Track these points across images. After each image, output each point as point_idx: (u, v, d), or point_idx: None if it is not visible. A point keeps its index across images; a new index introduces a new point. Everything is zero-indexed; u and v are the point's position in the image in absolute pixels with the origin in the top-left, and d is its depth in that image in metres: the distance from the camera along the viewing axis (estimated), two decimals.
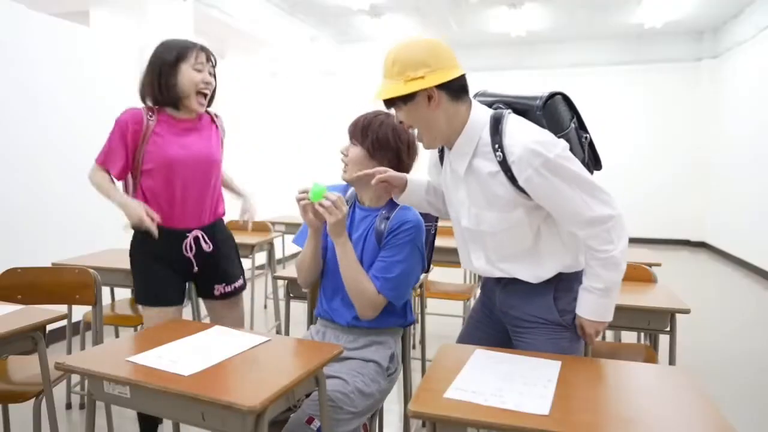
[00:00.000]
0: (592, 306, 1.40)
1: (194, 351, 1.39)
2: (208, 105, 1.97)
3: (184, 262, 1.96)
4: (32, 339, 1.67)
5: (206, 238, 1.97)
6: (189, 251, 1.95)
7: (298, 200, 1.56)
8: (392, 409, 2.63)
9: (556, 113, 1.40)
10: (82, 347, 2.63)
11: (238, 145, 5.67)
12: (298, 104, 6.83)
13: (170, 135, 1.90)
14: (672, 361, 2.00)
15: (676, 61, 8.05)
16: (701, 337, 3.84)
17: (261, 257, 3.90)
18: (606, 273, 1.36)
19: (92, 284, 2.16)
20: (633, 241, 6.70)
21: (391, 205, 1.70)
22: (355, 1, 6.22)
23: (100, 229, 3.66)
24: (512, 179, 1.32)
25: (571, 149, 1.35)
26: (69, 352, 2.66)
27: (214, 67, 1.95)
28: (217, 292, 2.04)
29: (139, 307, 1.96)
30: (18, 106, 3.36)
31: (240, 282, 2.10)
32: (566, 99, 1.44)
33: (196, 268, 1.98)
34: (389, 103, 1.38)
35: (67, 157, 3.64)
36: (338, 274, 1.68)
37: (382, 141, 1.63)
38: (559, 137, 1.35)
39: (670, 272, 3.32)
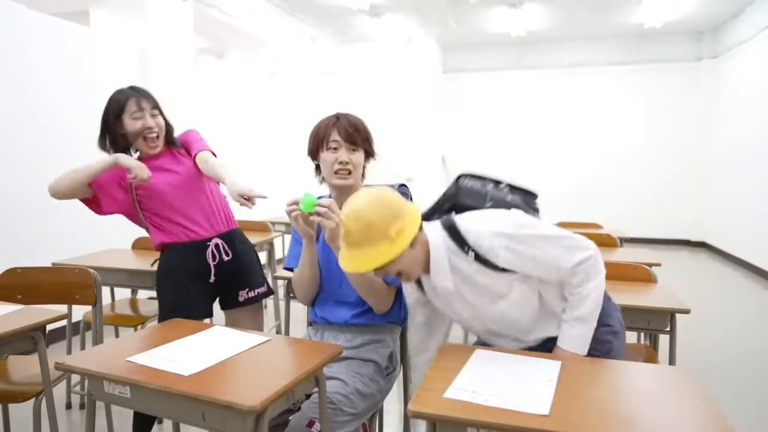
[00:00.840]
0: (568, 337, 1.42)
1: (194, 351, 1.39)
2: (168, 142, 2.04)
3: (209, 272, 2.02)
4: (32, 339, 1.67)
5: (226, 246, 2.05)
6: (212, 259, 2.02)
7: (289, 212, 1.57)
8: (392, 409, 2.63)
9: (468, 191, 1.51)
10: (82, 347, 2.63)
11: (238, 145, 5.68)
12: (298, 104, 6.82)
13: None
14: (672, 361, 2.00)
15: (676, 61, 8.05)
16: (701, 337, 3.84)
17: (261, 257, 3.90)
18: (581, 306, 1.40)
19: (92, 284, 2.16)
20: (633, 241, 6.68)
21: None
22: (355, 1, 6.22)
23: (100, 229, 3.66)
24: (492, 266, 1.38)
25: (501, 204, 1.47)
26: (69, 352, 2.66)
27: (155, 108, 2.00)
28: (241, 298, 2.08)
29: (141, 307, 1.99)
30: (18, 106, 3.35)
31: (264, 288, 2.14)
32: (470, 174, 1.55)
33: (218, 277, 2.04)
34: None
35: (67, 157, 3.60)
36: (329, 279, 1.72)
37: (369, 136, 1.73)
38: (489, 206, 1.46)
39: (670, 272, 3.31)
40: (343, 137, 1.67)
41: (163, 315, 1.99)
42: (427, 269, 1.44)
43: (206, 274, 2.02)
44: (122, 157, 1.90)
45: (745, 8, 6.67)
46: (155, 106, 2.00)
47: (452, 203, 1.51)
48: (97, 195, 1.98)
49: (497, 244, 1.35)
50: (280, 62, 7.00)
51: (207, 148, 2.03)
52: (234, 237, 2.10)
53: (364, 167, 1.77)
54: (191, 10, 4.80)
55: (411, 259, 1.38)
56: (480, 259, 1.38)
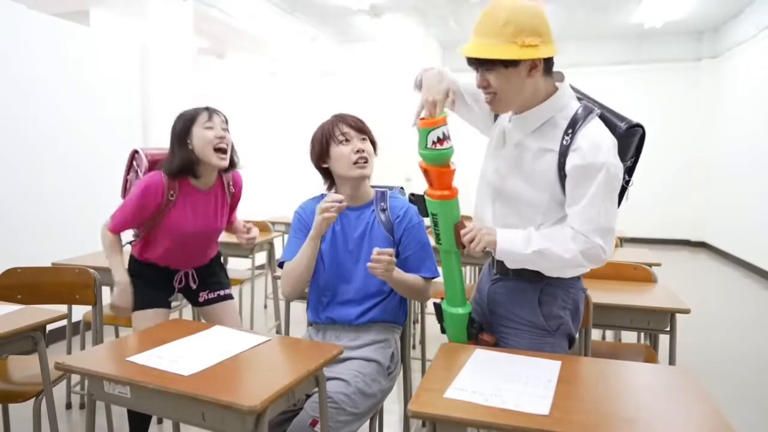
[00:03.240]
0: (513, 236, 1.35)
1: (194, 351, 1.39)
2: (231, 165, 2.01)
3: (171, 289, 2.09)
4: (32, 339, 1.67)
5: (194, 276, 2.11)
6: (178, 284, 2.09)
7: (326, 209, 1.57)
8: (392, 409, 2.63)
9: (626, 144, 1.38)
10: (82, 347, 2.63)
11: (238, 146, 5.68)
12: (298, 104, 6.83)
13: (186, 209, 1.97)
14: (672, 361, 2.00)
15: (676, 61, 8.05)
16: (701, 337, 3.84)
17: (261, 257, 3.90)
18: (552, 246, 1.31)
19: (92, 284, 2.16)
20: (633, 241, 6.68)
21: (379, 196, 1.78)
22: (355, 1, 6.22)
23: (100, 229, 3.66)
24: (561, 165, 1.33)
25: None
26: (69, 352, 2.66)
27: (225, 122, 1.99)
28: (201, 299, 2.13)
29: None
30: (18, 106, 3.35)
31: (227, 291, 2.19)
32: (642, 137, 1.42)
33: (180, 293, 2.12)
34: (484, 63, 1.32)
35: (67, 157, 3.63)
36: (336, 279, 1.73)
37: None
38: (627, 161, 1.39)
39: (670, 272, 3.32)
40: (353, 128, 1.71)
41: (138, 305, 2.03)
42: (520, 110, 1.40)
43: (168, 289, 2.08)
44: (119, 295, 1.95)
45: (745, 8, 6.67)
46: (226, 121, 2.00)
47: (606, 122, 1.39)
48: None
49: (585, 152, 1.29)
50: (280, 62, 7.01)
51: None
52: (205, 266, 2.15)
53: None
54: (191, 10, 4.80)
55: (517, 87, 1.33)
56: (563, 149, 1.32)
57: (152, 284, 2.04)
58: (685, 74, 8.02)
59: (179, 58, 4.61)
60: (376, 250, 1.54)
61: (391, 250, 1.55)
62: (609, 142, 1.32)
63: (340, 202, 1.56)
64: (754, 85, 6.48)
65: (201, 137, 1.91)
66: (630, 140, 1.39)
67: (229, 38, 6.50)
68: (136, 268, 2.05)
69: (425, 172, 1.43)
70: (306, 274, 1.70)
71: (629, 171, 1.46)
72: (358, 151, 1.68)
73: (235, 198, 2.17)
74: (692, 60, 7.98)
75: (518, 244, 1.35)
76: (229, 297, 2.19)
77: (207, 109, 1.97)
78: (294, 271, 1.69)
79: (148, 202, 1.90)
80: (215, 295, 2.14)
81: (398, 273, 1.64)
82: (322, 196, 1.81)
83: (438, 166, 1.41)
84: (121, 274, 1.95)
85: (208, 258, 2.16)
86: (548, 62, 1.37)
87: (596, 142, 1.30)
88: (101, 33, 4.33)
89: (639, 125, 1.39)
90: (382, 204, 1.76)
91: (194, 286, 2.10)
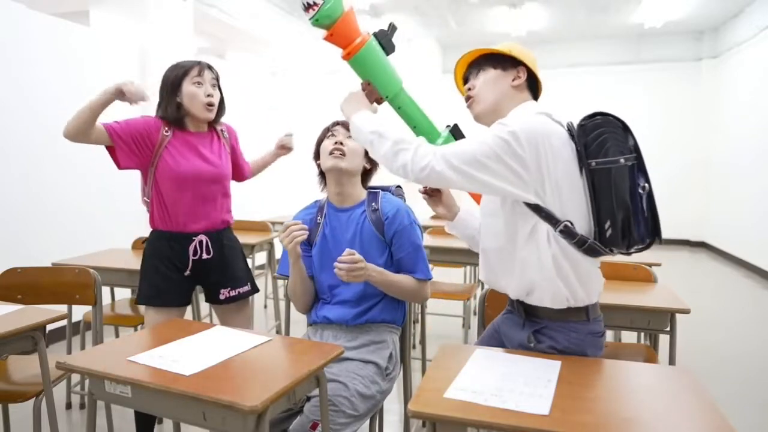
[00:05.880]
0: (371, 116, 1.38)
1: (195, 351, 1.39)
2: (218, 116, 2.04)
3: (185, 264, 2.00)
4: (32, 339, 1.67)
5: (210, 245, 2.03)
6: (194, 255, 2.00)
7: (289, 241, 1.61)
8: (392, 409, 2.63)
9: (597, 134, 1.27)
10: (82, 347, 2.63)
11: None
12: (299, 104, 6.83)
13: (183, 149, 1.97)
14: (672, 361, 2.00)
15: (676, 61, 8.06)
16: (701, 337, 3.84)
17: (261, 257, 3.91)
18: (390, 138, 1.30)
19: (92, 284, 2.16)
20: None
21: (371, 196, 1.78)
22: (355, 1, 6.23)
23: (100, 229, 3.66)
24: None
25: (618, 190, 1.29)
26: (69, 352, 2.66)
27: (216, 79, 2.02)
28: (222, 296, 2.08)
29: (141, 307, 1.98)
30: (18, 107, 3.35)
31: (246, 287, 2.14)
32: (626, 127, 1.31)
33: (193, 272, 2.03)
34: (479, 65, 1.45)
35: (68, 158, 3.63)
36: (329, 281, 1.74)
37: None
38: (598, 163, 1.27)
39: (670, 272, 3.32)
40: (344, 127, 1.75)
41: (140, 298, 1.99)
42: (494, 117, 1.40)
43: (186, 266, 2.00)
44: (122, 83, 1.83)
45: (745, 8, 6.67)
46: (216, 77, 2.03)
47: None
48: (114, 143, 1.91)
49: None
50: (280, 62, 7.01)
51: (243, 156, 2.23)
52: (222, 236, 2.08)
53: (368, 170, 1.82)
54: (191, 10, 4.80)
55: (497, 92, 1.42)
56: None
57: (167, 266, 1.97)
58: (685, 74, 8.03)
59: (179, 59, 4.61)
60: (346, 251, 1.55)
61: (357, 257, 1.54)
62: (528, 120, 1.29)
63: (301, 229, 1.61)
64: (754, 85, 6.49)
65: (190, 94, 1.94)
66: (605, 130, 1.27)
67: (229, 38, 6.50)
68: (153, 242, 2.01)
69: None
70: (305, 292, 1.78)
71: (642, 172, 1.33)
72: (335, 143, 1.72)
73: (233, 142, 2.17)
74: (692, 60, 7.99)
75: (369, 120, 1.37)
76: (249, 293, 2.15)
77: (199, 63, 1.99)
78: (294, 292, 1.79)
79: (145, 127, 1.91)
80: (236, 293, 2.10)
81: (384, 274, 1.65)
82: (316, 203, 1.86)
83: (328, 27, 1.32)
84: (107, 87, 1.84)
85: (221, 220, 2.06)
86: (531, 84, 1.46)
87: (506, 120, 1.30)
88: (101, 33, 4.33)
89: (602, 113, 1.30)
90: (374, 204, 1.76)
91: (207, 256, 2.01)
